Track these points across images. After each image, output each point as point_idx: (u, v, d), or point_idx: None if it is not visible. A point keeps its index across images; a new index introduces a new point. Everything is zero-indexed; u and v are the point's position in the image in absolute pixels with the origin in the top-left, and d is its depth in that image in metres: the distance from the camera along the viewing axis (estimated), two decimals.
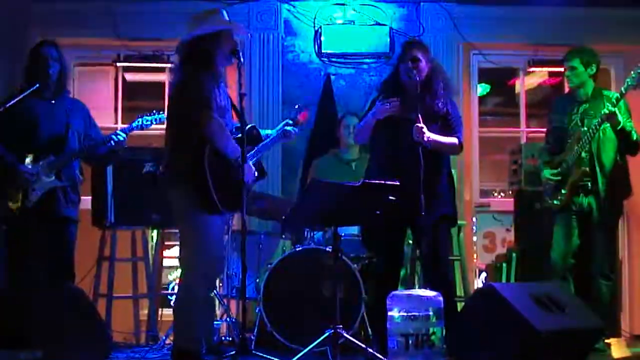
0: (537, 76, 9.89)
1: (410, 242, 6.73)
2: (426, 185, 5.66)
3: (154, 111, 6.21)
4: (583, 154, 6.31)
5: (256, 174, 5.63)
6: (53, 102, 6.16)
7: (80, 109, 6.34)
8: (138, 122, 6.24)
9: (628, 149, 6.43)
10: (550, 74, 9.64)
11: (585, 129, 6.30)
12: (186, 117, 5.28)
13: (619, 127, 6.20)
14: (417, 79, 5.86)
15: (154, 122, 6.21)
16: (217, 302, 6.84)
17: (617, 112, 6.16)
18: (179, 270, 5.62)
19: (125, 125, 6.37)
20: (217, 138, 5.27)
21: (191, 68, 5.36)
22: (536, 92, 10.41)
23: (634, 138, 6.34)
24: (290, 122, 5.97)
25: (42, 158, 6.01)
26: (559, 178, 6.41)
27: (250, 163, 5.49)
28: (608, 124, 6.23)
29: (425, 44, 6.24)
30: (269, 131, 5.91)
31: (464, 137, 6.07)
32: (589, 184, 6.34)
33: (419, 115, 5.75)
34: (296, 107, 6.27)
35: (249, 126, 5.51)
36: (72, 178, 6.16)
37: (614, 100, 6.20)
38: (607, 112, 6.14)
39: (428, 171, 5.70)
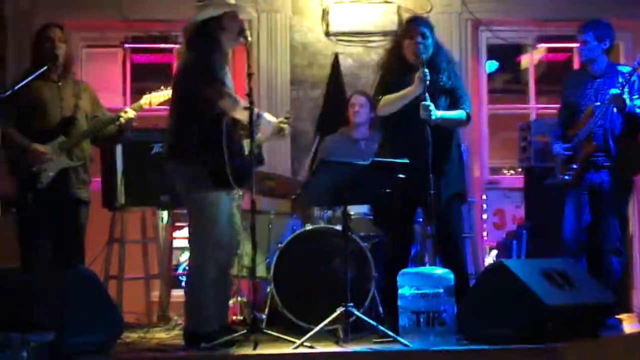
0: (539, 52, 9.83)
1: (421, 220, 6.72)
2: (435, 162, 5.66)
3: (162, 88, 6.19)
4: (595, 129, 6.27)
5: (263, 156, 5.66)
6: (60, 83, 6.15)
7: (87, 91, 6.33)
8: (146, 99, 6.23)
9: (635, 129, 6.38)
10: (557, 49, 9.59)
11: (598, 103, 6.26)
12: (197, 94, 5.28)
13: (625, 111, 6.15)
14: (424, 57, 5.84)
15: (162, 99, 6.19)
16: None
17: (625, 94, 6.11)
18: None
19: (134, 104, 6.36)
20: (233, 111, 5.29)
21: (200, 49, 5.37)
22: (538, 68, 10.36)
23: None
24: (285, 120, 5.98)
25: (52, 139, 6.01)
26: (571, 153, 6.38)
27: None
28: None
29: (430, 21, 6.22)
30: (270, 117, 5.85)
31: (473, 113, 6.06)
32: (601, 159, 6.31)
33: (426, 94, 5.74)
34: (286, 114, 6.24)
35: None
36: (83, 158, 6.17)
37: (627, 75, 6.16)
38: (612, 93, 6.10)
39: (437, 148, 5.70)
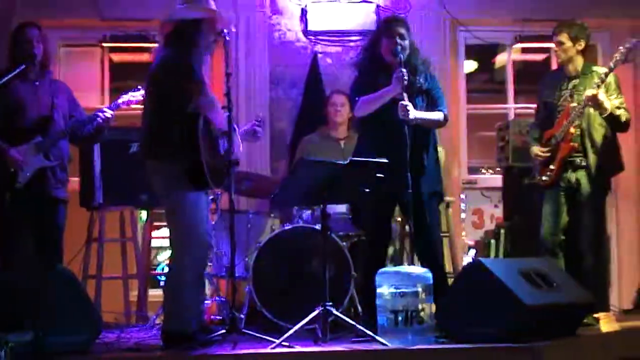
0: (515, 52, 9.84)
1: (399, 219, 6.73)
2: (414, 162, 5.67)
3: (139, 87, 6.17)
4: (572, 130, 6.30)
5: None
6: (37, 83, 6.12)
7: (64, 90, 6.30)
8: (124, 98, 6.22)
9: (617, 129, 6.42)
10: (535, 49, 9.62)
11: (575, 104, 6.29)
12: (176, 91, 5.26)
13: (606, 114, 6.19)
14: (402, 57, 5.84)
15: (140, 98, 6.17)
16: (206, 281, 6.84)
17: (601, 92, 6.14)
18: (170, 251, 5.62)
19: (111, 103, 6.35)
20: (209, 110, 5.27)
21: (177, 47, 5.35)
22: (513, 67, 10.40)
23: (623, 120, 6.31)
24: (257, 123, 5.97)
25: (29, 139, 5.98)
26: (548, 154, 6.41)
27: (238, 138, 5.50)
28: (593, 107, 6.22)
29: (407, 21, 6.23)
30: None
31: (451, 113, 6.07)
32: (578, 159, 6.34)
33: (404, 94, 5.74)
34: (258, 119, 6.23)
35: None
36: (61, 157, 6.14)
37: (603, 76, 6.19)
38: (588, 94, 6.13)
39: (415, 148, 5.71)
